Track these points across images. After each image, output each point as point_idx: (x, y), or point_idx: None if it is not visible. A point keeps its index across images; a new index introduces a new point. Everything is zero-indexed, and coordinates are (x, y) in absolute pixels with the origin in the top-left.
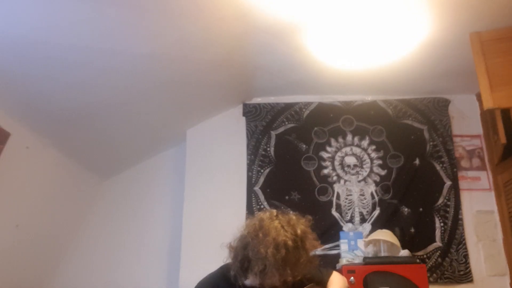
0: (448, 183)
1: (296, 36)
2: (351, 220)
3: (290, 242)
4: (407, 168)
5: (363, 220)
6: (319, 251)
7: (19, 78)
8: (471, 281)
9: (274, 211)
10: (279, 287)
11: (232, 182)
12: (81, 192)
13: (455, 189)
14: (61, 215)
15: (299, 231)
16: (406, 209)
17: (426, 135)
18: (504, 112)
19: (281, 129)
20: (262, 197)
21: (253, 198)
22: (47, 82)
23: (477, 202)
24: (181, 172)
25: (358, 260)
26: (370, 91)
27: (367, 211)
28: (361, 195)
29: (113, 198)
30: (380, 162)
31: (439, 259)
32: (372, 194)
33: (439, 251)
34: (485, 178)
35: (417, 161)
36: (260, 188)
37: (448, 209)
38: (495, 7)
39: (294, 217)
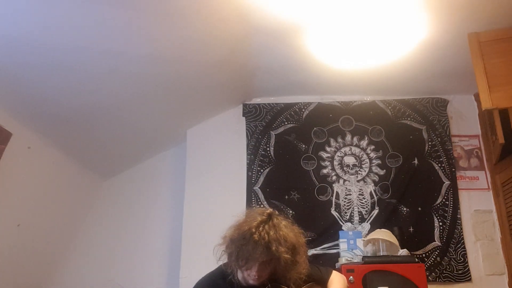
0: (446, 182)
1: (296, 37)
2: (350, 220)
3: (256, 236)
4: (405, 168)
5: (362, 219)
6: (318, 250)
7: (21, 78)
8: (469, 280)
9: (271, 210)
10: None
11: (232, 181)
12: (81, 192)
13: (454, 189)
14: (62, 214)
15: (273, 234)
16: (405, 209)
17: (425, 135)
18: (502, 112)
19: (280, 129)
20: (262, 197)
21: (253, 198)
22: (49, 82)
23: (475, 202)
24: (181, 172)
25: (357, 259)
26: (369, 92)
27: (366, 211)
28: (360, 194)
29: (113, 198)
30: (379, 162)
31: (438, 258)
32: (371, 194)
33: (438, 250)
34: (483, 177)
35: (415, 161)
36: (260, 187)
37: (446, 208)
38: (493, 8)
39: (285, 223)
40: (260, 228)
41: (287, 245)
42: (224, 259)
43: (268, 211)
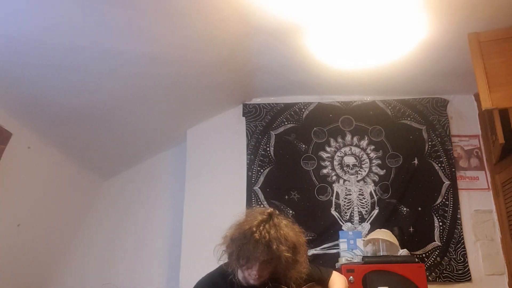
0: (446, 182)
1: (296, 37)
2: (350, 220)
3: (257, 235)
4: (405, 168)
5: (362, 219)
6: (318, 250)
7: (21, 78)
8: (469, 280)
9: (271, 210)
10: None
11: (232, 181)
12: (81, 192)
13: (454, 189)
14: (61, 214)
15: (273, 233)
16: (405, 209)
17: (425, 135)
18: (502, 112)
19: (280, 129)
20: (262, 197)
21: (253, 198)
22: (49, 82)
23: (475, 202)
24: (181, 172)
25: (357, 259)
26: (369, 92)
27: (366, 211)
28: (360, 194)
29: (113, 198)
30: (379, 162)
31: (438, 258)
32: (371, 194)
33: (438, 250)
34: (483, 177)
35: (415, 161)
36: (260, 187)
37: (446, 208)
38: (493, 8)
39: (286, 222)
40: (261, 227)
41: (288, 244)
42: (225, 259)
43: (269, 211)
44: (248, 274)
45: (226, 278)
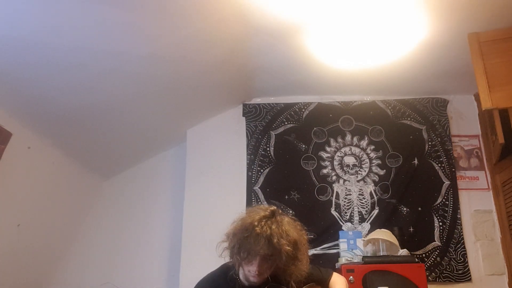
0: (446, 182)
1: (296, 36)
2: (350, 220)
3: (258, 229)
4: (405, 168)
5: (362, 219)
6: (318, 250)
7: (21, 79)
8: (469, 280)
9: (274, 208)
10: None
11: (232, 182)
12: (81, 192)
13: (454, 189)
14: (62, 214)
15: (275, 228)
16: (405, 209)
17: (425, 135)
18: (502, 112)
19: (280, 129)
20: (262, 197)
21: (253, 198)
22: (49, 83)
23: (475, 202)
24: (181, 172)
25: (357, 259)
26: (369, 92)
27: (366, 211)
28: (360, 194)
29: (113, 198)
30: (379, 162)
31: (438, 258)
32: (371, 194)
33: (438, 250)
34: (483, 177)
35: (415, 161)
36: (260, 187)
37: (446, 208)
38: (493, 8)
39: (288, 219)
40: (263, 222)
41: (289, 239)
42: (226, 256)
43: (272, 208)
44: (248, 271)
45: (227, 278)
